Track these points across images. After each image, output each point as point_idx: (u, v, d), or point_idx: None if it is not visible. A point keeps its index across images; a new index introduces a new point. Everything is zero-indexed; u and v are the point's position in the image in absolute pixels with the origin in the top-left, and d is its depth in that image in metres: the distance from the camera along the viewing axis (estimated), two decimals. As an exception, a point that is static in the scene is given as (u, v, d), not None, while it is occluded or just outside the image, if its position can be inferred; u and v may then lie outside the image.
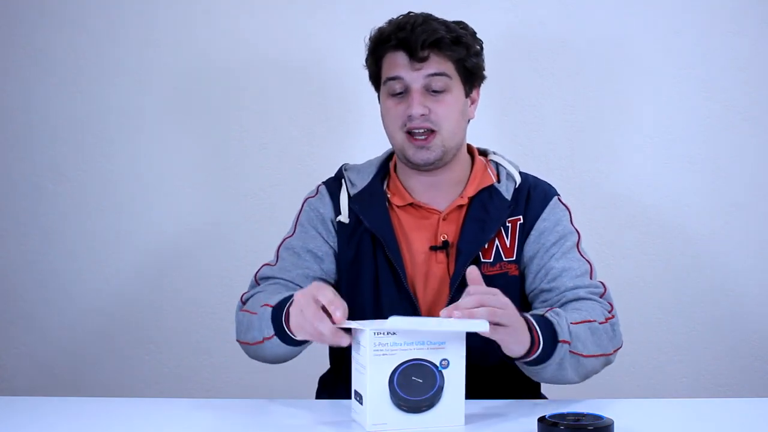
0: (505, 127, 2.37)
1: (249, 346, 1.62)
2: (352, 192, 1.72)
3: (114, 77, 2.39)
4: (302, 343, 1.49)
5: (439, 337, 1.33)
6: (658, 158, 2.37)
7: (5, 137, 2.41)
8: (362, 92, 2.38)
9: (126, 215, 2.41)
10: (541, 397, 1.77)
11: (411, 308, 1.65)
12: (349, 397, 1.39)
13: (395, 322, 1.31)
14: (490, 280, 1.66)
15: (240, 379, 2.40)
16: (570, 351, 1.47)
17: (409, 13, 1.67)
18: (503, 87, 2.34)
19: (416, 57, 1.61)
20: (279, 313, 1.49)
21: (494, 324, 1.34)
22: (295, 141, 2.39)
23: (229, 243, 2.39)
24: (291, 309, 1.42)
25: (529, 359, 1.44)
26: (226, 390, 2.39)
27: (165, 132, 2.40)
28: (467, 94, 1.68)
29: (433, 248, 1.67)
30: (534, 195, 1.72)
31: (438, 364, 1.34)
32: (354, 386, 1.37)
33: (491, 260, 1.67)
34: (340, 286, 1.72)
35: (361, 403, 1.34)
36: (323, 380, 1.85)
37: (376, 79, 1.71)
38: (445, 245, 1.67)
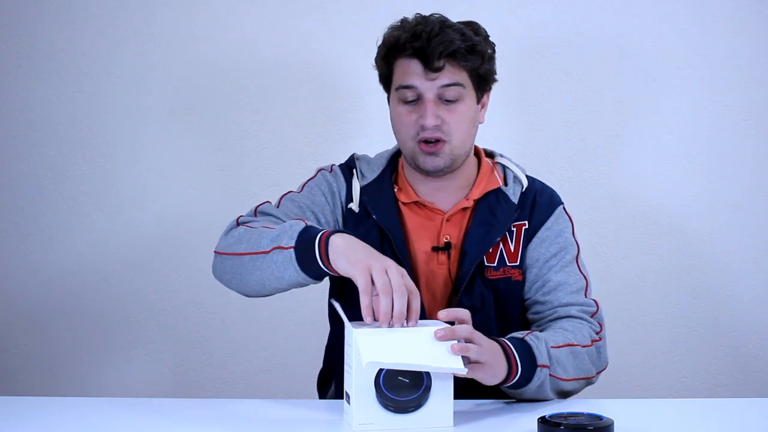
0: (505, 127, 2.37)
1: (232, 257, 1.55)
2: (362, 183, 1.71)
3: (114, 77, 2.39)
4: (310, 269, 1.44)
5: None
6: (658, 158, 2.37)
7: (5, 137, 2.41)
8: (363, 92, 2.39)
9: (126, 215, 2.41)
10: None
11: None
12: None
13: (371, 363, 1.30)
14: (493, 284, 1.66)
15: (240, 379, 2.40)
16: (551, 375, 1.48)
17: (423, 16, 1.64)
18: (503, 87, 2.31)
19: (431, 67, 1.59)
20: (314, 230, 1.44)
21: (471, 362, 1.36)
22: (295, 141, 2.38)
23: (229, 243, 2.39)
24: (351, 244, 1.40)
25: (507, 385, 1.45)
26: (226, 390, 2.39)
27: (165, 132, 2.40)
28: (478, 100, 1.68)
29: (435, 249, 1.67)
30: (540, 201, 1.71)
31: None
32: (344, 387, 1.37)
33: (495, 264, 1.67)
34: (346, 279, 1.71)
35: (349, 403, 1.34)
36: (322, 374, 1.84)
37: (386, 81, 1.69)
38: (448, 246, 1.67)
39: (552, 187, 1.78)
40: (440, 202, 1.70)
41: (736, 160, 2.37)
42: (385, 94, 1.73)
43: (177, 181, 2.40)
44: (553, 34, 2.36)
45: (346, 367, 1.36)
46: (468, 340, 1.37)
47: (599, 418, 1.28)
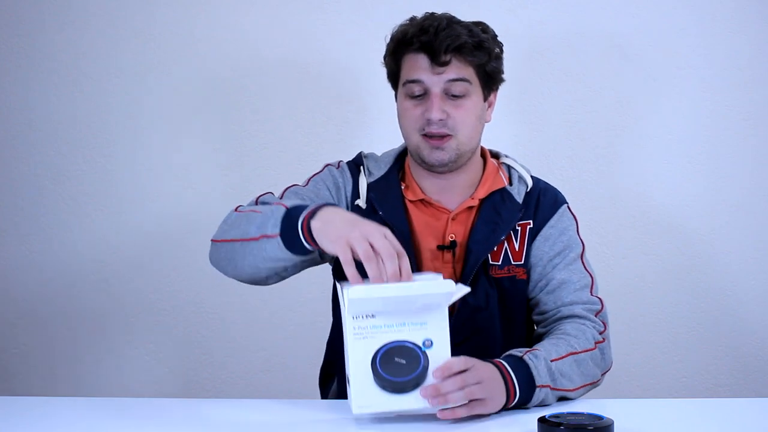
0: (505, 127, 2.37)
1: (225, 244, 1.56)
2: (369, 180, 1.71)
3: (114, 77, 2.39)
4: (302, 253, 1.44)
5: (419, 310, 1.33)
6: (658, 158, 2.37)
7: (5, 137, 2.41)
8: (363, 92, 2.39)
9: (126, 215, 2.41)
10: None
11: None
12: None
13: (354, 301, 1.30)
14: (498, 283, 1.66)
15: (240, 379, 2.40)
16: (553, 389, 1.46)
17: (431, 14, 1.65)
18: (503, 87, 2.32)
19: (438, 61, 1.60)
20: (296, 213, 1.43)
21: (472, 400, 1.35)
22: (295, 141, 2.39)
23: (229, 243, 2.39)
24: (329, 218, 1.39)
25: (507, 407, 1.44)
26: (226, 390, 2.39)
27: (165, 132, 2.40)
28: (485, 98, 1.68)
29: (441, 248, 1.67)
30: (544, 200, 1.72)
31: (421, 345, 1.34)
32: (346, 371, 1.37)
33: (499, 263, 1.67)
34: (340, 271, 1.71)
35: (349, 386, 1.34)
36: (324, 369, 1.84)
37: (394, 78, 1.70)
38: (453, 245, 1.67)
39: (556, 187, 1.78)
40: (446, 201, 1.70)
41: (736, 160, 2.37)
42: (388, 94, 1.74)
43: (177, 181, 2.40)
44: (553, 34, 2.36)
45: (345, 350, 1.36)
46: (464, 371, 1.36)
47: (599, 418, 1.28)
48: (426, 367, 1.33)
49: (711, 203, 2.37)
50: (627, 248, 2.38)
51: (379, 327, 1.33)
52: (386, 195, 1.70)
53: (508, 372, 1.42)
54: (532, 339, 1.74)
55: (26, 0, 2.39)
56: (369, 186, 1.71)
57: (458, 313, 1.64)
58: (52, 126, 2.40)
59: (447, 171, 1.67)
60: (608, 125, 2.38)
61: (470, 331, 1.65)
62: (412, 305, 1.33)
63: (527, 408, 1.44)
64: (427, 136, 1.63)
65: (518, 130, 2.37)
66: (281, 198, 1.69)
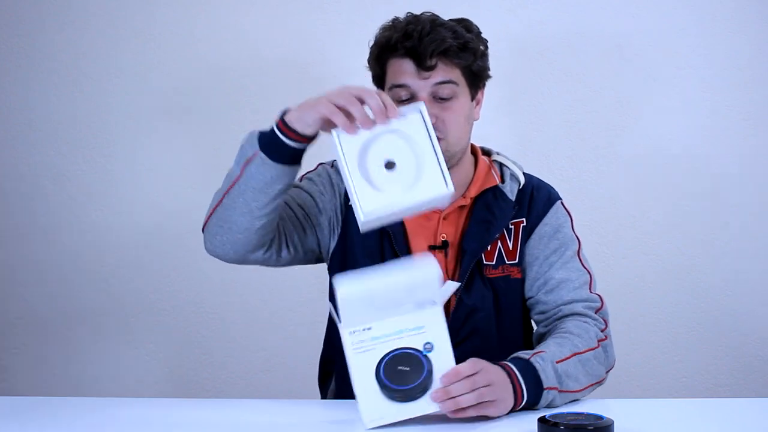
0: (505, 126, 2.37)
1: (215, 213, 1.58)
2: None
3: (114, 77, 2.39)
4: (292, 162, 1.48)
5: (413, 318, 1.34)
6: (658, 158, 2.37)
7: (5, 137, 2.41)
8: (362, 92, 2.38)
9: (125, 215, 2.41)
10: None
11: None
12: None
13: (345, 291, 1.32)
14: (492, 283, 1.65)
15: (240, 379, 2.40)
16: (561, 391, 1.46)
17: (414, 16, 1.64)
18: (503, 87, 2.33)
19: (424, 66, 1.59)
20: (268, 128, 1.48)
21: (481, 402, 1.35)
22: (295, 141, 2.38)
23: (229, 243, 2.39)
24: (303, 108, 1.46)
25: (515, 410, 1.43)
26: (226, 390, 2.39)
27: (165, 132, 2.40)
28: (473, 97, 1.67)
29: (432, 248, 1.67)
30: (537, 197, 1.71)
31: (422, 349, 1.34)
32: (352, 385, 1.37)
33: (493, 262, 1.66)
34: (335, 271, 1.71)
35: (357, 400, 1.34)
36: (322, 366, 1.84)
37: (379, 81, 1.69)
38: (445, 245, 1.67)
39: (550, 184, 1.77)
40: None
41: (736, 160, 2.37)
42: None
43: (177, 181, 2.40)
44: (553, 34, 2.36)
45: (348, 369, 1.35)
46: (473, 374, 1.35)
47: (599, 418, 1.28)
48: (431, 371, 1.33)
49: (711, 203, 2.37)
50: (627, 248, 2.38)
51: (377, 338, 1.32)
52: None
53: (516, 375, 1.42)
54: (529, 338, 1.74)
55: (26, 0, 2.39)
56: None
57: (454, 314, 1.63)
58: (52, 126, 2.40)
59: None
60: (608, 125, 2.38)
61: (467, 332, 1.64)
62: (405, 296, 1.33)
63: (536, 410, 1.44)
64: None
65: (518, 130, 2.37)
66: None
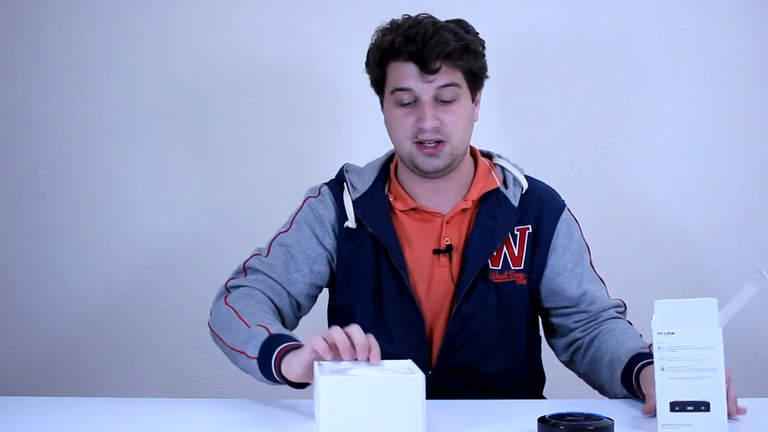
0: (505, 127, 2.37)
1: (221, 343, 1.59)
2: (354, 196, 1.70)
3: (114, 77, 2.39)
4: (276, 382, 1.47)
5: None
6: (658, 158, 2.37)
7: (5, 137, 2.41)
8: (362, 92, 2.38)
9: (125, 215, 2.41)
10: (541, 397, 1.77)
11: (414, 312, 1.64)
12: None
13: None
14: (498, 288, 1.65)
15: (240, 379, 2.38)
16: None
17: (413, 18, 1.63)
18: (503, 87, 2.34)
19: (428, 69, 1.58)
20: (272, 345, 1.46)
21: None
22: (295, 141, 2.38)
23: (228, 243, 2.39)
24: (292, 355, 1.41)
25: None
26: (226, 390, 2.39)
27: (165, 132, 2.40)
28: (473, 98, 1.67)
29: (437, 252, 1.66)
30: (546, 206, 1.71)
31: None
32: None
33: (499, 267, 1.66)
34: (334, 288, 1.72)
35: None
36: None
37: (379, 85, 1.68)
38: (449, 249, 1.66)
39: (551, 187, 1.77)
40: (438, 205, 1.69)
41: (735, 160, 2.37)
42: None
43: (176, 181, 2.40)
44: (553, 34, 2.36)
45: None
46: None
47: (599, 418, 1.28)
48: None
49: (711, 203, 2.37)
50: (627, 248, 2.38)
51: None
52: (373, 209, 1.68)
53: None
54: (533, 342, 1.75)
55: (26, 0, 2.39)
56: (354, 203, 1.69)
57: (453, 320, 1.63)
58: (52, 126, 2.40)
59: (441, 176, 1.66)
60: (608, 125, 2.38)
61: (467, 337, 1.64)
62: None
63: None
64: (421, 143, 1.62)
65: (518, 130, 2.37)
66: (268, 252, 1.70)
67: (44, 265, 2.42)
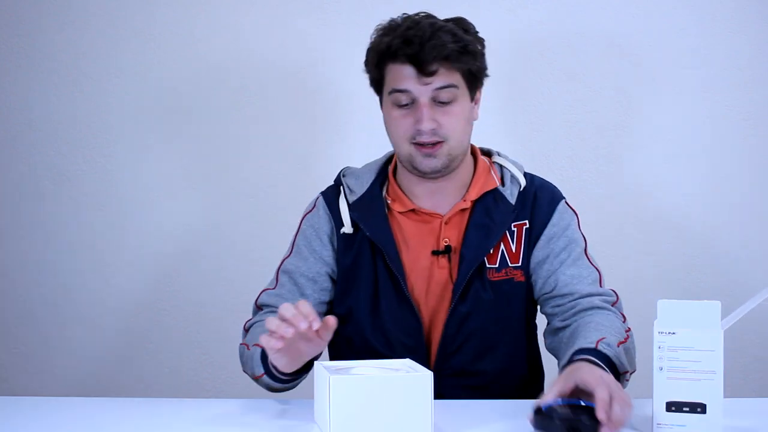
0: (505, 127, 2.37)
1: (253, 378, 1.62)
2: (351, 199, 1.69)
3: (114, 77, 2.39)
4: (292, 380, 1.52)
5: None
6: (658, 158, 2.37)
7: (5, 137, 2.41)
8: (362, 92, 2.38)
9: (126, 215, 2.41)
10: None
11: (411, 315, 1.63)
12: None
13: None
14: (495, 286, 1.65)
15: (240, 379, 2.39)
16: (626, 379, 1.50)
17: (412, 19, 1.61)
18: (503, 87, 2.34)
19: (425, 72, 1.57)
20: (266, 355, 1.50)
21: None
22: (295, 141, 2.39)
23: (229, 243, 2.39)
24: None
25: None
26: (226, 390, 2.39)
27: (165, 132, 2.40)
28: (472, 98, 1.66)
29: (435, 253, 1.66)
30: (540, 199, 1.69)
31: None
32: None
33: (497, 266, 1.65)
34: (336, 295, 1.72)
35: None
36: None
37: (377, 85, 1.67)
38: (448, 250, 1.66)
39: (552, 183, 1.76)
40: (437, 206, 1.68)
41: (735, 159, 2.37)
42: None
43: (176, 181, 2.40)
44: (553, 34, 2.36)
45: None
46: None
47: (592, 407, 1.27)
48: None
49: (711, 203, 2.37)
50: (627, 248, 2.38)
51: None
52: (370, 212, 1.68)
53: (603, 367, 1.41)
54: (532, 340, 1.74)
55: (26, 0, 2.39)
56: (351, 206, 1.69)
57: (449, 321, 1.63)
58: (52, 126, 2.40)
59: (440, 176, 1.65)
60: (608, 125, 2.38)
61: (464, 337, 1.64)
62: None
63: None
64: (419, 144, 1.61)
65: (518, 130, 2.37)
66: (276, 281, 1.72)
67: (44, 265, 2.42)
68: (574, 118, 2.38)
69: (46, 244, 2.42)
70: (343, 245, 1.69)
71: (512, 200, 1.68)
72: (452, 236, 1.66)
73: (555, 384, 1.33)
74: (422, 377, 1.28)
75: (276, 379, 1.52)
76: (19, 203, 2.42)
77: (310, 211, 1.74)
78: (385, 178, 1.73)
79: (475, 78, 1.64)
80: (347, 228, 1.68)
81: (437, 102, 1.60)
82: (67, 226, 2.41)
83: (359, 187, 1.71)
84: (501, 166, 1.73)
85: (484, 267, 1.64)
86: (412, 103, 1.61)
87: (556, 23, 2.36)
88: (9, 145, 2.41)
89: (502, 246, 1.66)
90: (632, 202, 2.38)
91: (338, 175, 1.76)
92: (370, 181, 1.71)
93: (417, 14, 1.63)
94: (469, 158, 1.71)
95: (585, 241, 1.71)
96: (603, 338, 1.48)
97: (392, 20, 1.64)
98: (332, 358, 1.75)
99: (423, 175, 1.65)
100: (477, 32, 1.65)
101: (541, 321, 1.76)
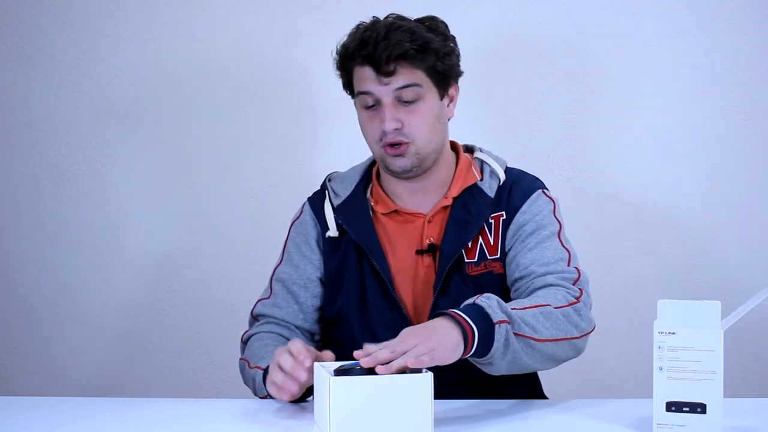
0: (505, 127, 2.37)
1: (253, 394, 1.63)
2: (336, 202, 1.71)
3: (114, 77, 2.39)
4: (298, 401, 1.51)
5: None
6: (658, 158, 2.37)
7: (5, 137, 2.41)
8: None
9: (126, 215, 2.41)
10: (543, 397, 1.77)
11: (398, 315, 1.63)
12: None
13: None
14: (475, 281, 1.64)
15: (240, 379, 2.40)
16: (517, 334, 1.41)
17: (374, 21, 1.64)
18: (503, 87, 2.34)
19: (382, 72, 1.58)
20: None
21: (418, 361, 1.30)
22: (295, 141, 2.39)
23: (228, 243, 2.39)
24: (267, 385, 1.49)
25: (471, 353, 1.38)
26: (226, 390, 2.39)
27: (165, 132, 2.40)
28: (443, 96, 1.65)
29: (419, 252, 1.66)
30: (515, 189, 1.68)
31: None
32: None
33: (475, 260, 1.65)
34: (325, 298, 1.72)
35: None
36: None
37: (349, 88, 1.69)
38: (431, 248, 1.66)
39: (535, 175, 1.74)
40: (420, 205, 1.69)
41: (735, 159, 2.37)
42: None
43: (176, 181, 2.40)
44: (553, 34, 2.36)
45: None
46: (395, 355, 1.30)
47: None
48: None
49: (711, 203, 2.37)
50: (627, 248, 2.38)
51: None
52: (354, 214, 1.69)
53: (458, 314, 1.38)
54: None
55: (26, 0, 2.39)
56: (335, 209, 1.70)
57: (432, 317, 1.61)
58: (52, 126, 2.40)
59: (414, 176, 1.65)
60: (608, 125, 2.38)
61: None
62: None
63: (495, 358, 1.39)
64: (387, 144, 1.62)
65: (518, 130, 2.37)
66: (270, 290, 1.74)
67: (44, 265, 2.42)
68: (574, 118, 2.38)
69: (46, 244, 2.41)
70: (329, 248, 1.70)
71: (491, 193, 1.67)
72: (435, 234, 1.67)
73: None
74: (422, 377, 1.28)
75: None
76: (19, 203, 2.42)
77: (298, 217, 1.77)
78: (369, 181, 1.74)
79: (442, 76, 1.64)
80: (332, 231, 1.70)
81: (402, 102, 1.61)
82: (67, 226, 2.41)
83: (344, 190, 1.72)
84: (482, 161, 1.73)
85: (462, 262, 1.64)
86: (378, 104, 1.62)
87: (556, 23, 2.36)
88: (9, 145, 2.41)
89: (480, 240, 1.65)
90: (632, 202, 2.38)
91: (324, 180, 1.78)
92: (355, 184, 1.73)
93: (388, 16, 1.64)
94: (449, 156, 1.71)
95: (560, 224, 1.67)
96: (484, 294, 1.44)
97: (360, 23, 1.66)
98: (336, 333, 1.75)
99: (396, 175, 1.66)
100: (446, 31, 1.65)
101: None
